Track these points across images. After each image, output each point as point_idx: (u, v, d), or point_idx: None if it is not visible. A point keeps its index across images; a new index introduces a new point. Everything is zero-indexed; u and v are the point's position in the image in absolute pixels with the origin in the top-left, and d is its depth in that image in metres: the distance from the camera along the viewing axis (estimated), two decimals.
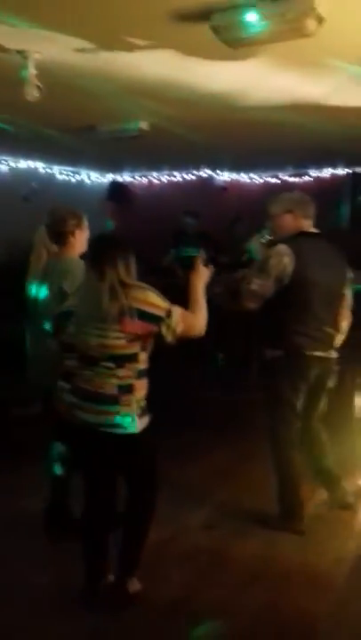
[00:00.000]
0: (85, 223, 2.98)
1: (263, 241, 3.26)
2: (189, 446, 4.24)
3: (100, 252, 2.39)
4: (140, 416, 2.38)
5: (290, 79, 3.42)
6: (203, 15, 2.58)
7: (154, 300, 2.33)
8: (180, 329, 2.34)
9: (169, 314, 2.33)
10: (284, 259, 2.96)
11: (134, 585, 2.53)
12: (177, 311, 2.35)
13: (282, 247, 3.00)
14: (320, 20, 2.49)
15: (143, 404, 2.41)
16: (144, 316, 2.30)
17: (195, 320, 2.44)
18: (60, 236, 2.93)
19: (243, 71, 3.30)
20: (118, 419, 2.33)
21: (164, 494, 3.55)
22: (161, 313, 2.32)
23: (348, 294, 3.26)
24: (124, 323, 2.27)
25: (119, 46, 2.99)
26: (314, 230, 3.17)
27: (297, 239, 3.06)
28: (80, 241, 2.93)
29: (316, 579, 2.69)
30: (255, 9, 2.45)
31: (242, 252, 3.26)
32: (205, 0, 2.46)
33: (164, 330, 2.32)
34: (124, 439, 2.36)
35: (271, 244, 3.17)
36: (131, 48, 3.01)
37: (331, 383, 3.24)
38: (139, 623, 2.43)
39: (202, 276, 2.56)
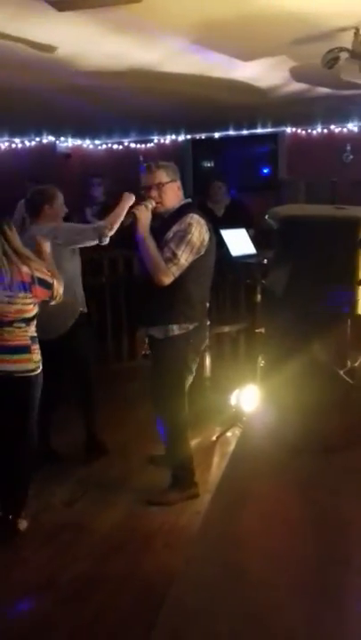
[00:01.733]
0: (58, 200, 3.46)
1: (149, 207, 2.94)
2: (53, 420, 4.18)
3: None
4: (40, 361, 2.84)
5: (123, 45, 3.37)
6: None
7: (45, 269, 2.78)
8: (61, 290, 2.81)
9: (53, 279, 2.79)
10: (203, 228, 2.88)
11: (22, 524, 2.89)
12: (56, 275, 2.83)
13: (197, 217, 2.90)
14: None
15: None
16: (43, 283, 2.74)
17: (61, 281, 2.86)
18: (32, 208, 3.47)
19: (74, 35, 3.19)
20: (31, 364, 2.78)
21: None
22: (50, 280, 2.77)
23: None
24: (35, 290, 2.71)
25: None
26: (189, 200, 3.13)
27: (192, 209, 2.97)
28: (49, 214, 3.42)
29: (175, 536, 2.82)
30: None
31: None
32: None
33: (54, 293, 2.78)
34: (30, 380, 2.79)
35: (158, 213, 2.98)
36: None
37: None
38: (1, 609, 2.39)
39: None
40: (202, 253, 2.90)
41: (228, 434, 3.89)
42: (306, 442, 1.36)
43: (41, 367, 2.82)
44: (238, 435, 3.62)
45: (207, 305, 3.14)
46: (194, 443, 3.78)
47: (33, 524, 2.95)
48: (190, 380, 3.14)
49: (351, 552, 1.08)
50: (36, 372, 2.80)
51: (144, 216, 2.87)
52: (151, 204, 2.92)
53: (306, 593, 1.05)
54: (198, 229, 2.86)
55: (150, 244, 2.86)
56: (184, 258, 2.83)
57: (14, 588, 2.51)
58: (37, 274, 2.71)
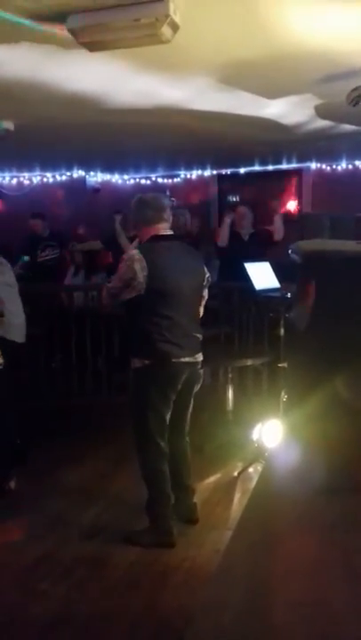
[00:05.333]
0: None
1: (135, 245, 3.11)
2: (62, 456, 4.16)
3: None
4: None
5: (152, 83, 3.46)
6: (60, 17, 2.54)
7: None
8: None
9: None
10: (134, 265, 2.86)
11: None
12: None
13: (132, 253, 2.92)
14: (175, 27, 2.54)
15: None
16: None
17: None
18: None
19: (105, 74, 3.29)
20: None
21: (43, 506, 3.48)
22: None
23: (206, 294, 3.21)
24: None
25: None
26: (168, 232, 3.04)
27: (150, 244, 2.97)
28: None
29: (194, 574, 2.76)
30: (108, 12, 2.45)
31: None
32: (62, 2, 2.42)
33: None
34: None
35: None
36: None
37: (197, 387, 3.14)
38: None
39: None
40: (140, 290, 2.87)
41: (250, 469, 3.83)
42: (329, 481, 1.32)
43: None
44: (260, 471, 3.56)
45: (180, 342, 2.94)
46: (215, 478, 3.76)
47: (51, 557, 2.92)
48: (160, 419, 2.99)
49: None
50: None
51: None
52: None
53: None
54: (126, 265, 2.90)
55: None
56: (112, 284, 3.01)
57: (32, 622, 2.47)
58: None
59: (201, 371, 3.14)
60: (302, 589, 1.10)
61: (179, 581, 2.72)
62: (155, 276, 2.87)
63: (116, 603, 2.59)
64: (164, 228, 3.02)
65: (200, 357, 3.09)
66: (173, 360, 2.94)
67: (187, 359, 2.99)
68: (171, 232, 3.08)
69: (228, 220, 5.77)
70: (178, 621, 2.42)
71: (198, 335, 3.09)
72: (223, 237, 5.79)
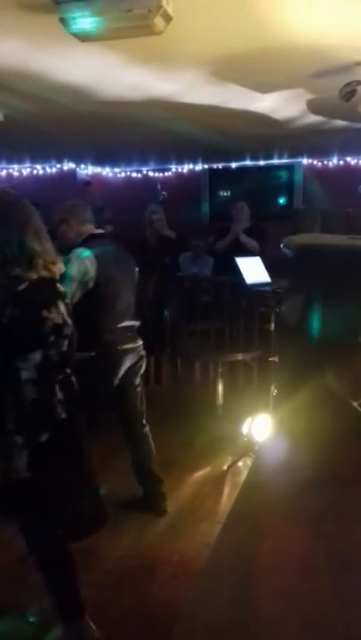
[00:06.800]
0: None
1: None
2: None
3: None
4: None
5: (143, 75, 3.44)
6: (50, 6, 2.52)
7: None
8: None
9: None
10: (85, 262, 2.95)
11: None
12: None
13: (79, 250, 3.00)
14: (168, 18, 2.53)
15: None
16: None
17: None
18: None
19: (96, 65, 3.27)
20: None
21: None
22: None
23: None
24: None
25: None
26: (100, 231, 3.24)
27: (92, 240, 3.08)
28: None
29: (183, 567, 2.77)
30: (100, 2, 2.43)
31: None
32: None
33: None
34: None
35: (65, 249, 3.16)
36: None
37: (143, 368, 3.30)
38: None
39: None
40: (90, 285, 2.97)
41: (240, 463, 3.84)
42: (318, 475, 1.33)
43: None
44: (250, 465, 3.57)
45: (123, 332, 3.12)
46: (204, 472, 3.77)
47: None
48: (112, 394, 3.19)
49: None
50: None
51: None
52: None
53: (318, 632, 1.01)
54: (77, 262, 2.95)
55: None
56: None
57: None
58: None
59: (143, 352, 3.28)
60: (291, 580, 1.11)
61: (167, 575, 2.72)
62: (102, 268, 2.98)
63: (104, 596, 2.59)
64: (91, 229, 3.19)
65: (140, 342, 3.25)
66: (118, 347, 3.11)
67: (129, 346, 3.16)
68: (102, 230, 3.32)
69: (235, 232, 5.66)
70: (166, 615, 2.42)
71: (137, 323, 3.24)
72: (222, 245, 5.72)
